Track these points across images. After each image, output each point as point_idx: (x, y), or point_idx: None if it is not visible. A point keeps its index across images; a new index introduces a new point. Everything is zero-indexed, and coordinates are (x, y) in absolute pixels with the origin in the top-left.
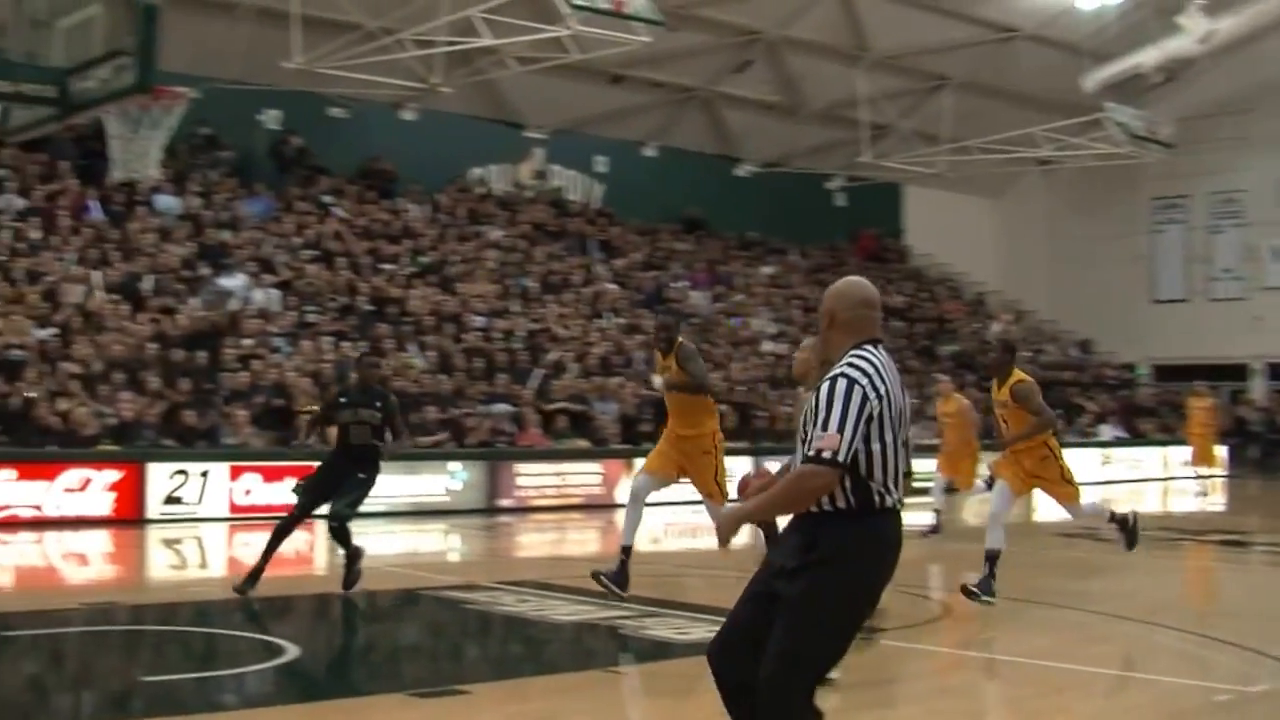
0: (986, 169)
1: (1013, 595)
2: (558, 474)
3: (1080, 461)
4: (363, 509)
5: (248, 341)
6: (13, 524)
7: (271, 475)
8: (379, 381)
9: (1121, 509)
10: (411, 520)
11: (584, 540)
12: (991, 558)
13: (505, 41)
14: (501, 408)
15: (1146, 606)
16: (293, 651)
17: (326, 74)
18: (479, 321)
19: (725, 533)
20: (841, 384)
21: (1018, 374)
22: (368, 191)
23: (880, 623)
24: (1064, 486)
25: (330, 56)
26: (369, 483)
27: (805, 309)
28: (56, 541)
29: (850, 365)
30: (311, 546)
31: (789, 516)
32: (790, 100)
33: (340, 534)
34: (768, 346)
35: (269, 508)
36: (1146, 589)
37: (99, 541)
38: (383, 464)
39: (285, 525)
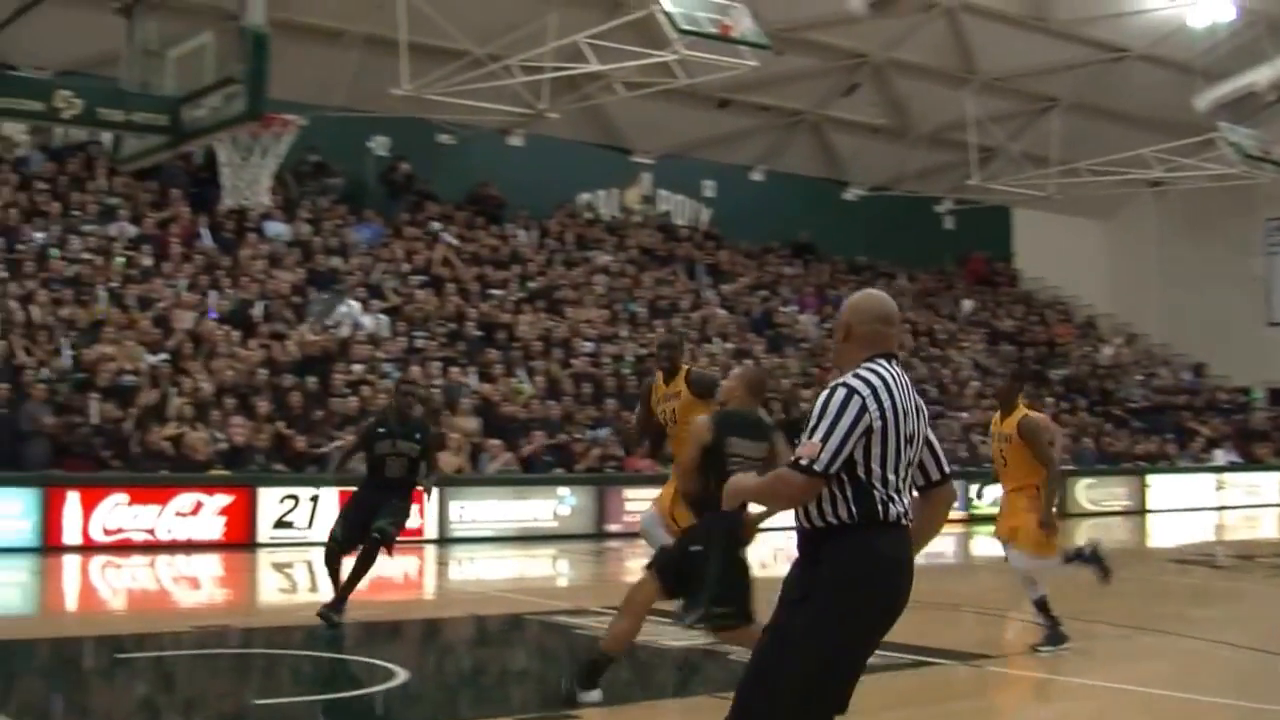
0: (1097, 191)
1: (1126, 622)
2: None
3: (1194, 487)
4: (472, 533)
5: (357, 367)
6: (126, 547)
7: None
8: (417, 412)
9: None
10: (520, 545)
11: None
12: (1042, 606)
13: (612, 67)
14: (609, 432)
15: (1261, 634)
16: (402, 675)
17: (434, 100)
18: (588, 347)
19: (728, 500)
20: (839, 394)
21: (1023, 408)
22: (476, 217)
23: (989, 650)
24: (1038, 532)
25: (438, 83)
26: (407, 509)
27: (914, 333)
28: (168, 565)
29: (855, 376)
30: (420, 571)
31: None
32: (898, 123)
33: (371, 551)
34: None
35: None
36: (1261, 616)
37: (210, 565)
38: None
39: (335, 553)
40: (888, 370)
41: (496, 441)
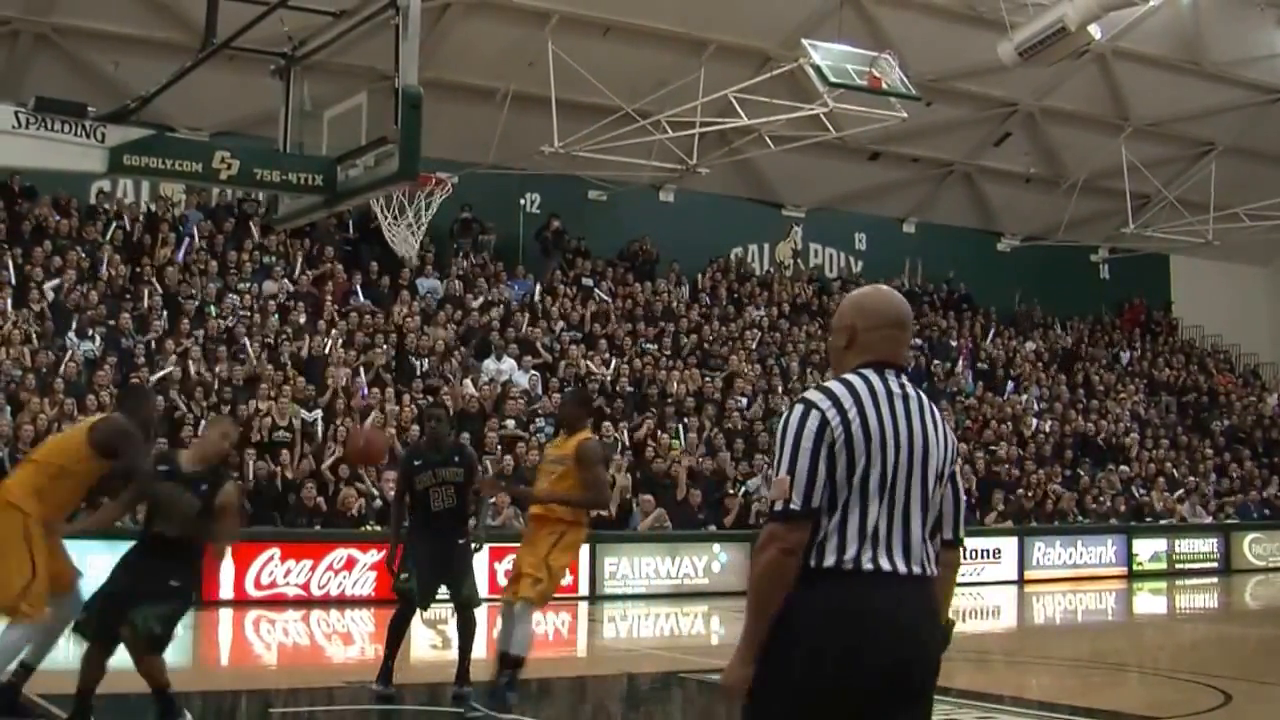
0: (1257, 236)
1: None
2: None
3: None
4: (623, 590)
5: (510, 424)
6: (279, 602)
7: None
8: (451, 435)
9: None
10: (673, 602)
11: None
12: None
13: (761, 121)
14: (757, 483)
15: None
16: None
17: (584, 157)
18: (741, 402)
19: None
20: (796, 411)
21: (587, 431)
22: (628, 273)
23: (1158, 712)
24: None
25: (588, 140)
26: (469, 558)
27: (1071, 385)
28: (321, 620)
29: (817, 387)
30: (572, 628)
31: None
32: (1051, 172)
33: (468, 625)
34: (1033, 423)
35: None
36: None
37: (363, 620)
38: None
39: (409, 613)
40: (874, 379)
41: (648, 497)
